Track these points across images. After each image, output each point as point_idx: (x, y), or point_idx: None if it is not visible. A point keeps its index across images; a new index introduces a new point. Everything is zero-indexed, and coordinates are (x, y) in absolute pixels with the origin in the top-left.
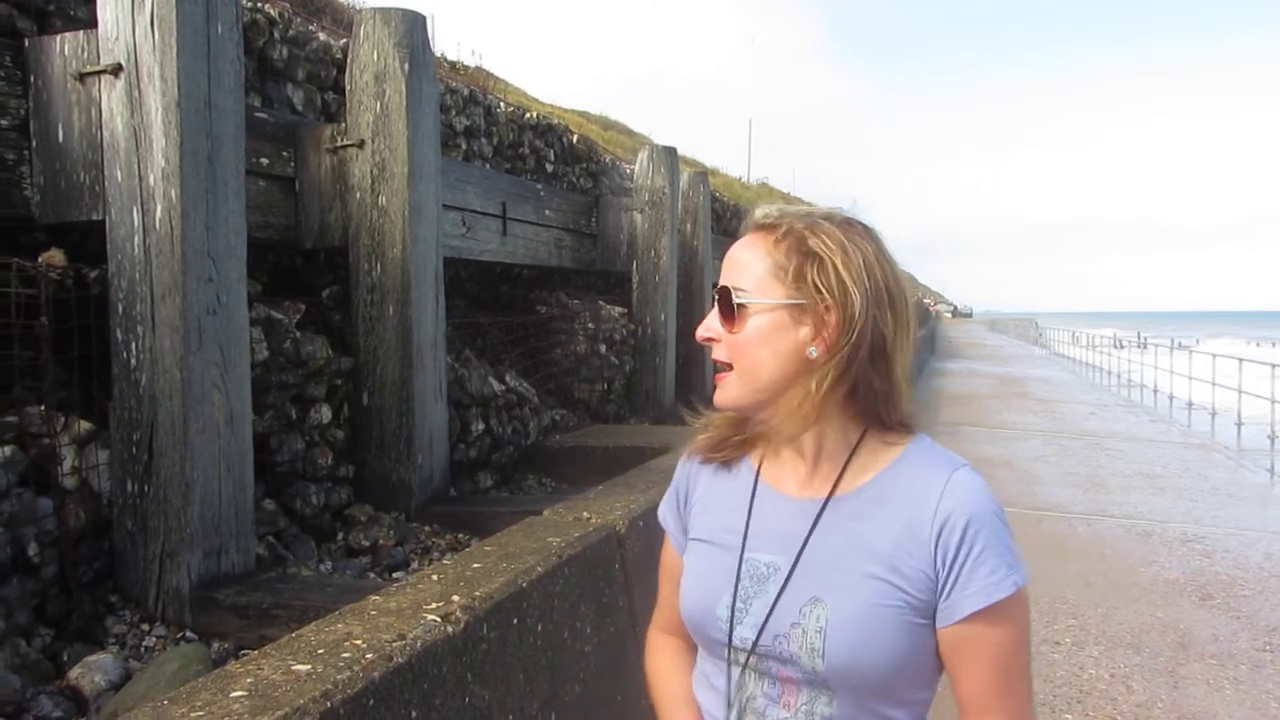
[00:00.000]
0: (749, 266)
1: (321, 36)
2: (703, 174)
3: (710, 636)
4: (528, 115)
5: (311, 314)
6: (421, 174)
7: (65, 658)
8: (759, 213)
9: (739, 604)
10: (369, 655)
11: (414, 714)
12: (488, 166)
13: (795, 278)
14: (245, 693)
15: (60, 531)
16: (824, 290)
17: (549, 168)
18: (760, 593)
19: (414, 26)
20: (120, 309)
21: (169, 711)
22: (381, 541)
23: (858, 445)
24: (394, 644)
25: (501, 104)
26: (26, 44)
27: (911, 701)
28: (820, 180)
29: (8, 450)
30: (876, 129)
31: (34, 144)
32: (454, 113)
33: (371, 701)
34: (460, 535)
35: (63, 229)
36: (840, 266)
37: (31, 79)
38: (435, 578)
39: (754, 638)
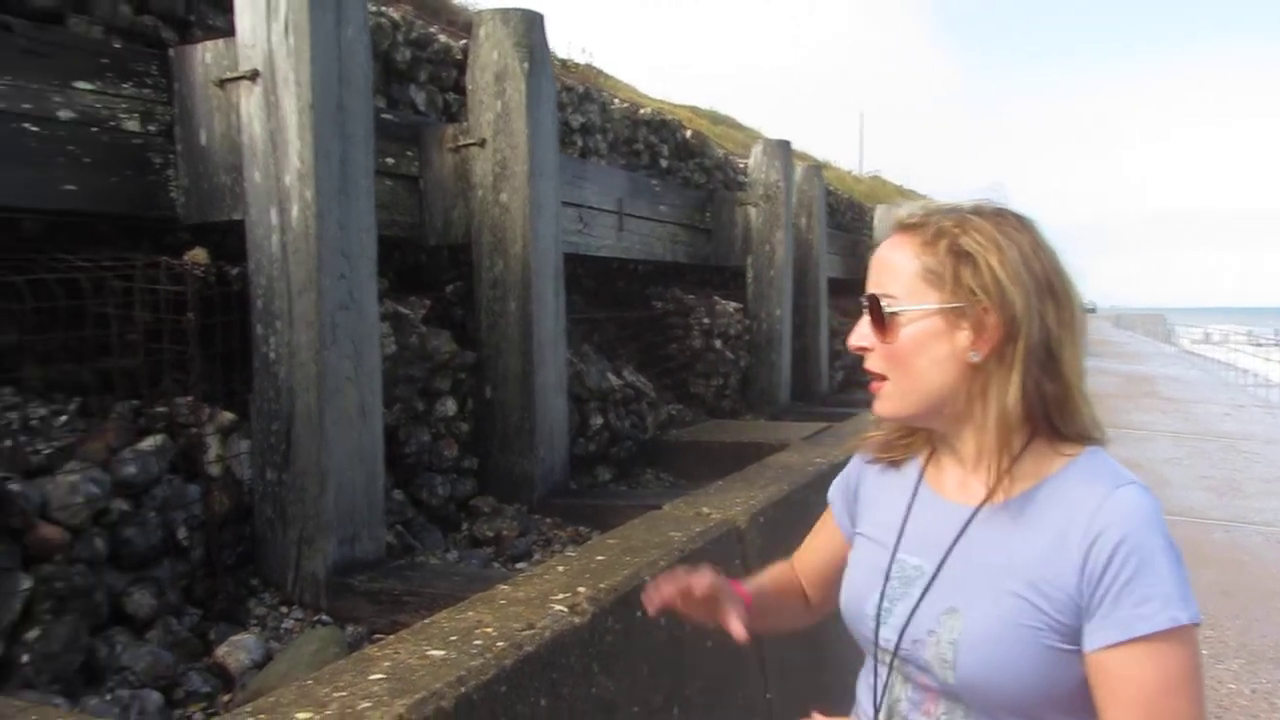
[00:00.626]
0: (898, 271)
1: (442, 38)
2: (817, 167)
3: (859, 632)
4: (642, 111)
5: (435, 309)
6: (541, 171)
7: (212, 636)
8: (903, 212)
9: (885, 604)
10: (500, 643)
11: (543, 702)
12: (603, 163)
13: (949, 280)
14: (384, 675)
15: (206, 517)
16: (980, 291)
17: (663, 163)
18: (905, 595)
19: (532, 26)
20: (260, 305)
21: (314, 690)
22: (505, 532)
23: (1021, 453)
24: (523, 633)
25: (616, 100)
26: (171, 53)
27: None
28: (934, 172)
29: (158, 439)
30: (989, 119)
31: (179, 148)
32: (570, 110)
33: (504, 689)
34: (580, 528)
35: (205, 229)
36: (996, 265)
37: (176, 86)
38: (561, 569)
39: (895, 640)
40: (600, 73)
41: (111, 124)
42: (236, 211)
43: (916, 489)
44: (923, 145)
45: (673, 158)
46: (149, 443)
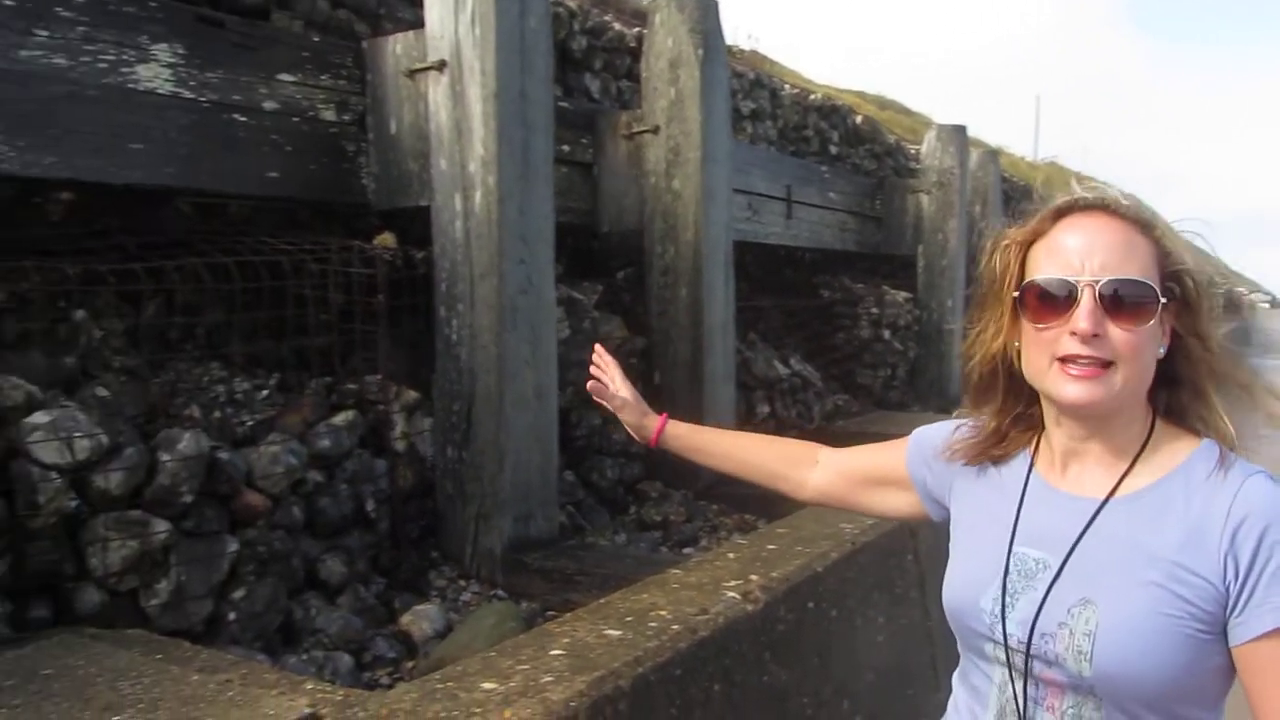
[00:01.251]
0: (1135, 257)
1: (616, 26)
2: (992, 153)
3: (971, 629)
4: (812, 97)
5: (606, 295)
6: (714, 158)
7: (396, 605)
8: (1111, 194)
9: (1007, 599)
10: (675, 626)
11: (716, 688)
12: (772, 149)
13: (1162, 272)
14: (563, 651)
15: (392, 490)
16: (1176, 285)
17: (832, 150)
18: (1027, 589)
19: (707, 12)
20: (443, 288)
21: (497, 662)
22: (673, 517)
23: (1145, 445)
24: (697, 617)
25: (786, 87)
26: (364, 45)
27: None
28: (1116, 157)
29: (350, 414)
30: (1174, 101)
31: (370, 136)
32: (740, 96)
33: (678, 671)
34: (747, 515)
35: (392, 214)
36: (1189, 260)
37: (368, 77)
38: (732, 556)
39: (1019, 635)
40: (765, 59)
41: (310, 113)
42: (423, 197)
43: (1027, 482)
44: (1102, 128)
45: (842, 144)
46: (341, 418)
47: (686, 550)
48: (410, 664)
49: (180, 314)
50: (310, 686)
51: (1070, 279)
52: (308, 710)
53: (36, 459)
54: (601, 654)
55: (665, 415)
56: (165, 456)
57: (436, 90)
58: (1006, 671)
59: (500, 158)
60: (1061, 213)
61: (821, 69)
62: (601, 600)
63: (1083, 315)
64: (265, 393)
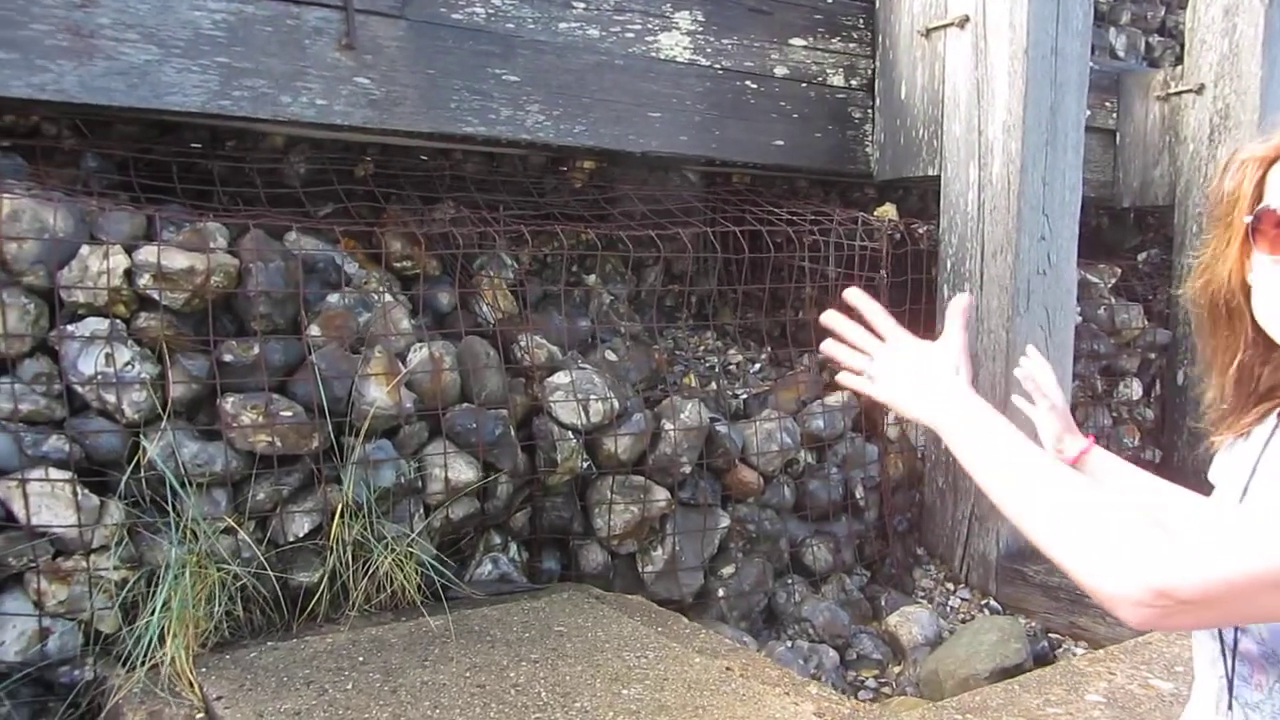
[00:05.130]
0: None
1: None
2: None
3: None
4: None
5: (1122, 279)
6: (1275, 121)
7: (882, 602)
8: None
9: None
10: None
11: None
12: None
13: None
14: (1102, 699)
15: (881, 479)
16: None
17: None
18: None
19: None
20: (949, 265)
21: (1023, 699)
22: None
23: None
24: None
25: None
26: (876, 4)
27: None
28: None
29: (844, 395)
30: None
31: (877, 102)
32: None
33: None
34: None
35: (887, 185)
36: None
37: (879, 39)
38: None
39: None
40: None
41: (819, 80)
42: (932, 167)
43: (1262, 453)
44: None
45: None
46: (835, 398)
47: None
48: (897, 669)
49: (677, 281)
50: (814, 691)
51: None
52: (814, 718)
53: (556, 418)
54: (1151, 710)
55: (1093, 438)
56: (669, 425)
57: (956, 48)
58: (1218, 645)
59: (1025, 122)
60: None
61: None
62: (1140, 638)
63: None
64: (758, 366)
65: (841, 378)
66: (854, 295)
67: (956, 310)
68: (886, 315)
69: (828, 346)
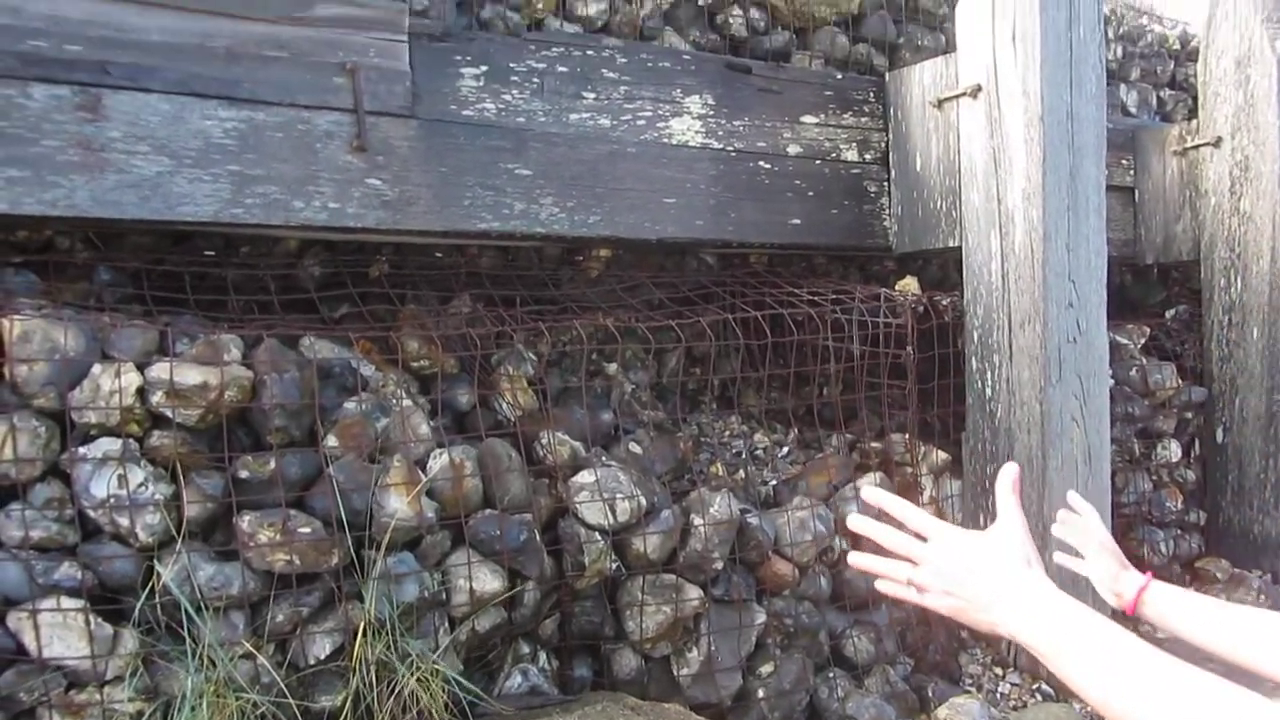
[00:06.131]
0: None
1: (1156, 28)
2: None
3: None
4: None
5: (1149, 338)
6: None
7: (929, 693)
8: None
9: None
10: None
11: None
12: None
13: None
14: None
15: None
16: None
17: None
18: None
19: None
20: (975, 337)
21: None
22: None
23: None
24: None
25: None
26: (886, 78)
27: None
28: None
29: (876, 477)
30: None
31: (892, 174)
32: None
33: None
34: None
35: (906, 256)
36: None
37: (891, 111)
38: None
39: None
40: None
41: (833, 155)
42: (952, 238)
43: None
44: None
45: None
46: (869, 481)
47: None
48: None
49: (698, 365)
50: None
51: None
52: None
53: (582, 519)
54: None
55: (1151, 574)
56: (698, 520)
57: (970, 118)
58: None
59: (1045, 188)
60: None
61: None
62: None
63: None
64: (785, 450)
65: (881, 586)
66: (873, 494)
67: (1006, 486)
68: (920, 510)
69: (857, 560)
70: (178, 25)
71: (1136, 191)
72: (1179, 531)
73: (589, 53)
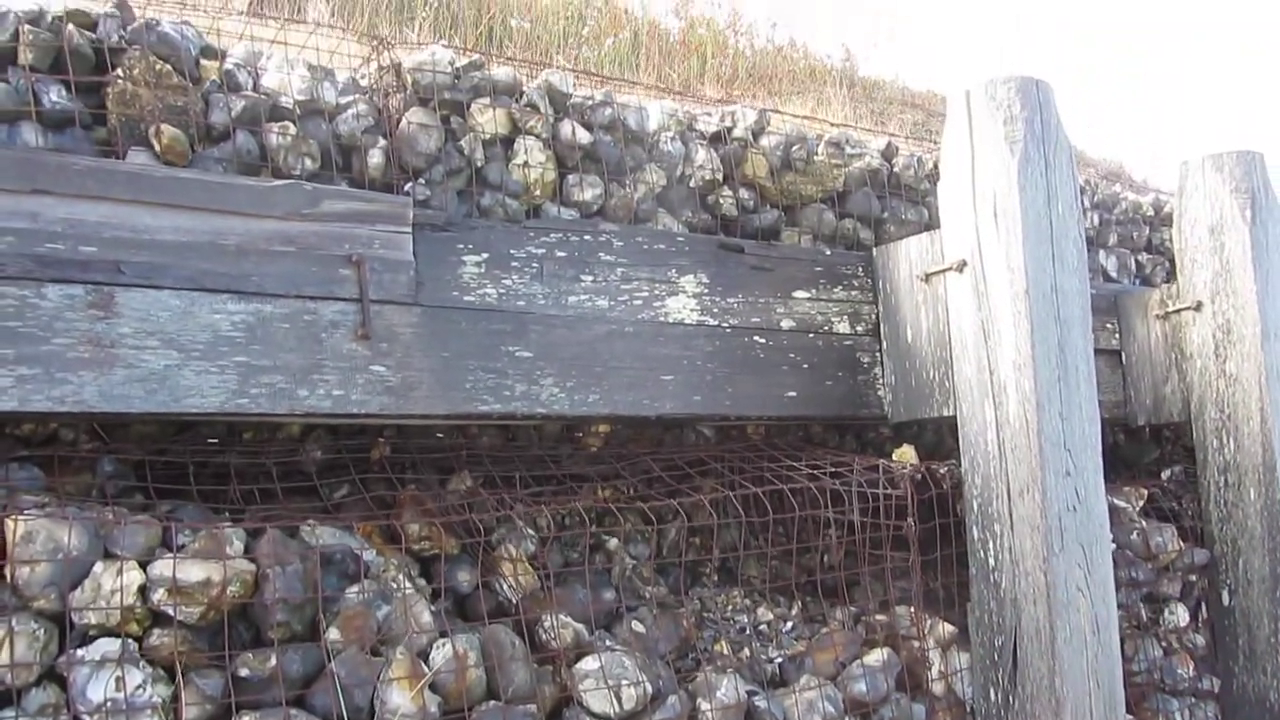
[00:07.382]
0: None
1: (1130, 196)
2: None
3: None
4: None
5: (1148, 500)
6: (1276, 333)
7: None
8: None
9: None
10: None
11: None
12: None
13: None
14: None
15: None
16: None
17: None
18: None
19: (1251, 169)
20: (975, 506)
21: None
22: None
23: None
24: None
25: None
26: (874, 252)
27: None
28: None
29: (885, 653)
30: None
31: (884, 346)
32: None
33: None
34: None
35: (903, 425)
36: None
37: (880, 284)
38: None
39: None
40: None
41: (825, 328)
42: (946, 408)
43: None
44: None
45: None
46: (875, 657)
47: None
48: None
49: (698, 534)
50: None
51: None
52: None
53: (588, 708)
54: None
55: None
56: (705, 705)
57: (957, 291)
58: None
59: (1035, 359)
60: None
61: None
62: None
63: None
64: (790, 624)
65: None
66: None
67: None
68: None
69: None
70: (191, 224)
71: (1123, 354)
72: (1193, 699)
73: (586, 237)
